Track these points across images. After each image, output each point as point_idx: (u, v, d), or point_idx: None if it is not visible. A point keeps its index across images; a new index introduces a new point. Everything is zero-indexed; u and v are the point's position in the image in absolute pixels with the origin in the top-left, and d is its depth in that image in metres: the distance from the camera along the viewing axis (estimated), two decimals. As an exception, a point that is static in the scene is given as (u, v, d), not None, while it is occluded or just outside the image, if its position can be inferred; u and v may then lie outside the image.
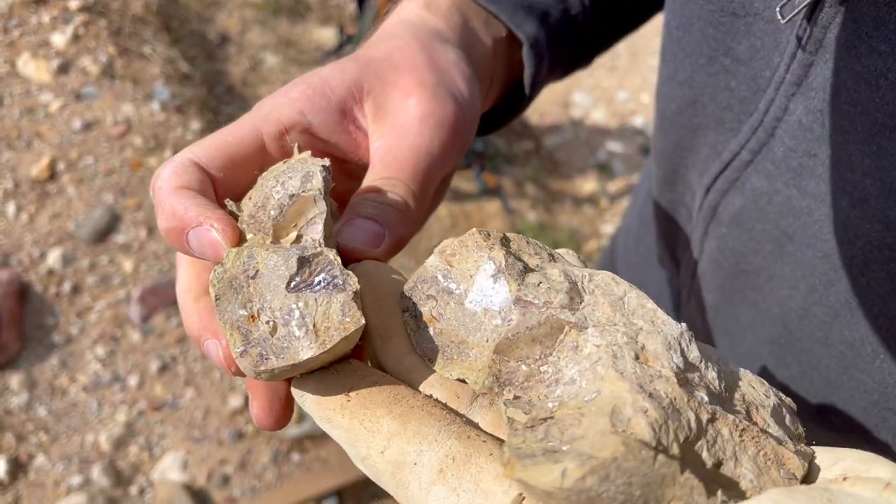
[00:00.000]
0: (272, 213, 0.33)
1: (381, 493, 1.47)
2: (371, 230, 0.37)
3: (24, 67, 1.84)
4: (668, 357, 0.28)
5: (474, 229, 0.33)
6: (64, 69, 1.86)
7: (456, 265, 0.33)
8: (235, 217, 0.35)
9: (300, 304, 0.31)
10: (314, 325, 0.31)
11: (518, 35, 0.47)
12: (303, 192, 0.33)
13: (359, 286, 0.32)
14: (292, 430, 1.51)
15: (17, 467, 1.36)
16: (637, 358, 0.28)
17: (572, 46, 0.52)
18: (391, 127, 0.40)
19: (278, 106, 0.40)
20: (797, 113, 0.40)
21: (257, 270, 0.32)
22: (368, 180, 0.39)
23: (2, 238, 1.58)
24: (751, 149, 0.44)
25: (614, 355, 0.28)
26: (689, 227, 0.53)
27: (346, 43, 1.88)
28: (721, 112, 0.46)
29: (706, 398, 0.27)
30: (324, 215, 0.33)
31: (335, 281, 0.32)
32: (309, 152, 0.36)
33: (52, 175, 1.68)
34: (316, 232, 0.33)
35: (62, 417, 1.43)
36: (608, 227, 2.29)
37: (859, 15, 0.35)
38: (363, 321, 0.31)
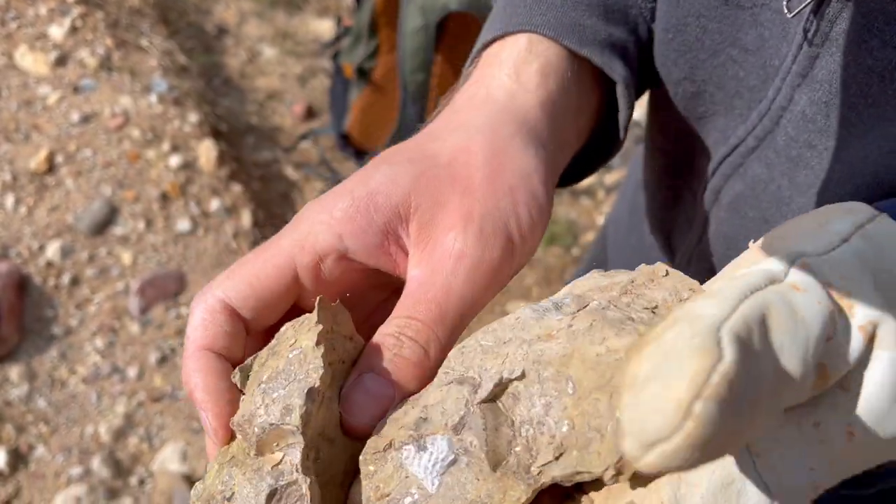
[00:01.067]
0: (255, 430, 0.33)
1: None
2: (380, 394, 0.35)
3: (21, 60, 1.84)
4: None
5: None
6: (61, 61, 1.86)
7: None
8: (241, 391, 0.36)
9: None
10: None
11: (612, 77, 0.43)
12: (282, 424, 0.33)
13: None
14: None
15: (18, 458, 1.36)
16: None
17: (644, 78, 0.49)
18: (429, 257, 0.37)
19: (316, 228, 0.37)
20: (801, 103, 0.41)
21: (233, 493, 0.33)
22: (394, 317, 0.37)
23: (1, 231, 1.58)
24: (756, 135, 0.44)
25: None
26: (692, 212, 0.54)
27: (343, 35, 1.88)
28: (730, 99, 0.46)
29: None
30: (302, 444, 0.33)
31: None
32: (315, 335, 0.34)
33: (51, 168, 1.69)
34: (295, 457, 0.33)
35: (62, 409, 1.43)
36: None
37: (868, 10, 0.36)
38: None
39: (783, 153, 0.43)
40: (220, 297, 0.37)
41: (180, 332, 1.56)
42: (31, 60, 1.85)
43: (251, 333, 0.38)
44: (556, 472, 0.29)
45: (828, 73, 0.39)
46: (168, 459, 1.42)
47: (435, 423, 0.32)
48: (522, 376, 0.31)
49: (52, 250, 1.58)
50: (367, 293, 0.42)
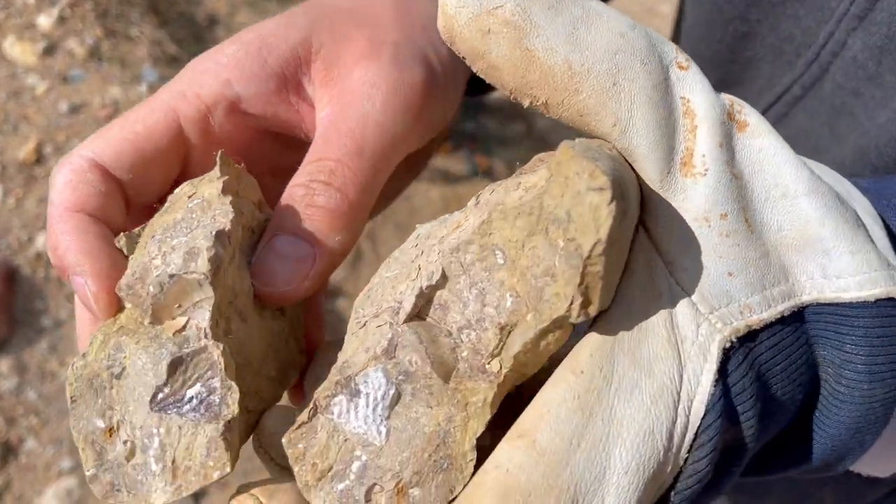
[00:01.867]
0: (151, 289, 0.27)
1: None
2: (295, 254, 0.30)
3: (9, 50, 1.82)
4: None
5: None
6: (50, 51, 1.84)
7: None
8: (129, 254, 0.29)
9: (161, 430, 0.26)
10: (173, 461, 0.26)
11: None
12: (185, 273, 0.27)
13: (237, 411, 0.26)
14: (283, 412, 1.51)
15: (8, 451, 1.36)
16: None
17: None
18: (339, 94, 0.32)
19: (200, 76, 0.32)
20: (854, 48, 0.39)
21: (124, 368, 0.27)
22: (304, 164, 0.31)
23: (-11, 222, 1.57)
24: (803, 84, 0.42)
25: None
26: None
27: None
28: (781, 43, 0.44)
29: None
30: (212, 300, 0.27)
31: (210, 399, 0.26)
32: (220, 184, 0.28)
33: (40, 158, 1.67)
34: (203, 318, 0.27)
35: (52, 401, 1.43)
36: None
37: None
38: (229, 469, 0.26)
39: (828, 102, 0.41)
40: (88, 156, 0.31)
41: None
42: (19, 50, 1.83)
43: (132, 209, 0.32)
44: (517, 347, 0.25)
45: (888, 16, 0.37)
46: (159, 451, 1.41)
47: (360, 361, 0.27)
48: (444, 278, 0.27)
49: (42, 242, 1.57)
50: (272, 167, 0.35)
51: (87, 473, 0.26)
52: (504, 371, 0.25)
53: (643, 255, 0.26)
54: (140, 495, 0.26)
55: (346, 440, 0.26)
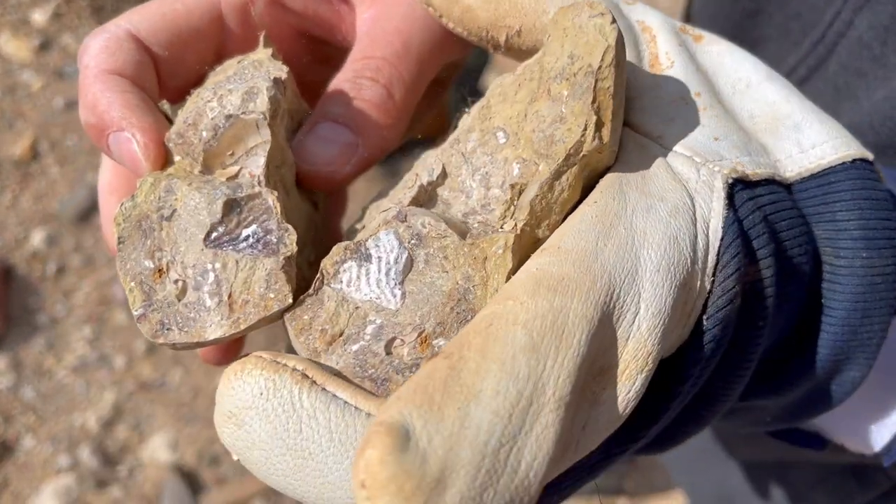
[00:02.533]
0: (204, 134, 0.26)
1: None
2: (339, 140, 0.29)
3: (4, 46, 1.81)
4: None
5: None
6: (45, 47, 1.83)
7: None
8: (171, 122, 0.28)
9: (217, 266, 0.25)
10: (230, 296, 0.25)
11: None
12: (242, 113, 0.26)
13: (296, 249, 0.25)
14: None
15: (5, 449, 1.35)
16: None
17: None
18: None
19: None
20: (860, 28, 0.39)
21: (174, 210, 0.26)
22: (349, 62, 0.31)
23: (-15, 219, 1.56)
24: (809, 65, 0.43)
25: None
26: None
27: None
28: (788, 21, 0.44)
29: None
30: (268, 145, 0.26)
31: (267, 238, 0.25)
32: (270, 51, 0.28)
33: (35, 155, 1.66)
34: (256, 165, 0.26)
35: (49, 399, 1.42)
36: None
37: None
38: (290, 300, 0.25)
39: (831, 82, 0.41)
40: (125, 27, 0.30)
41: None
42: (13, 47, 1.82)
43: (163, 91, 0.31)
44: (532, 193, 0.24)
45: None
46: (158, 448, 1.40)
47: (370, 228, 0.26)
48: (444, 175, 0.26)
49: (38, 239, 1.56)
50: (299, 76, 0.35)
51: (135, 313, 0.25)
52: (520, 224, 0.24)
53: (632, 140, 0.26)
54: (193, 331, 0.25)
55: (356, 308, 0.25)
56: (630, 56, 0.28)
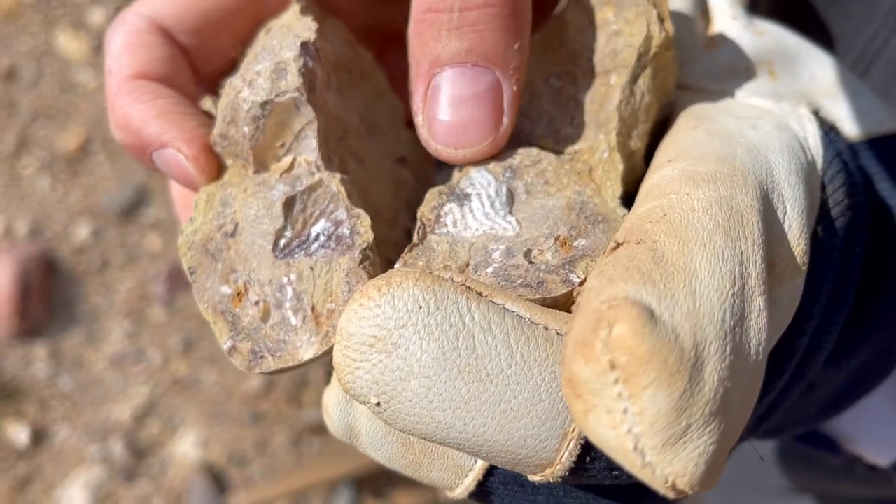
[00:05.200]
0: (246, 130, 0.23)
1: (402, 482, 1.46)
2: (475, 89, 0.22)
3: (61, 45, 1.86)
4: None
5: None
6: (101, 47, 1.87)
7: None
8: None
9: (292, 277, 0.23)
10: (313, 309, 0.22)
11: None
12: (276, 96, 0.23)
13: (371, 237, 0.22)
14: (313, 414, 1.51)
15: (39, 437, 1.37)
16: None
17: None
18: None
19: None
20: (892, 46, 0.39)
21: (236, 224, 0.23)
22: None
23: (35, 210, 1.59)
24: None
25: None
26: None
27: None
28: (831, 40, 0.45)
29: None
30: (315, 124, 0.23)
31: (339, 231, 0.23)
32: (298, 6, 0.25)
33: (86, 151, 1.70)
34: (310, 150, 0.23)
35: (85, 389, 1.44)
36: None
37: None
38: None
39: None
40: (145, 14, 0.26)
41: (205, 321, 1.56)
42: (71, 46, 1.86)
43: (201, 81, 0.27)
44: (615, 99, 0.23)
45: None
46: (187, 446, 1.41)
47: (456, 175, 0.24)
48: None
49: (84, 232, 1.59)
50: (359, 13, 0.29)
51: (225, 347, 0.23)
52: (613, 132, 0.23)
53: (692, 95, 0.26)
54: (286, 355, 0.22)
55: (472, 244, 0.22)
56: (686, 23, 0.28)
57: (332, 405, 0.23)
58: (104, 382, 1.46)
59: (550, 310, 0.20)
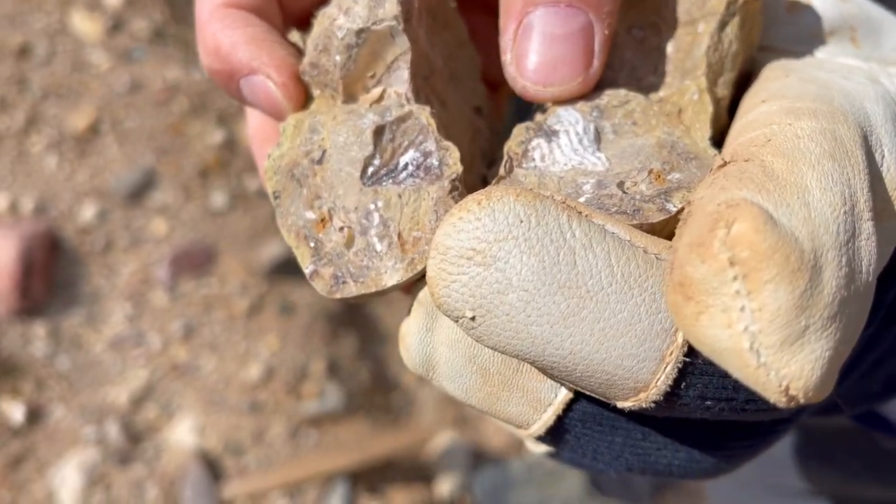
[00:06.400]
0: (338, 58, 0.23)
1: (397, 479, 1.45)
2: (568, 29, 0.22)
3: (76, 24, 1.85)
4: None
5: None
6: (116, 28, 1.86)
7: None
8: (303, 54, 0.25)
9: (379, 204, 0.22)
10: (399, 235, 0.22)
11: None
12: (373, 24, 0.23)
13: (460, 169, 0.22)
14: (312, 406, 1.49)
15: (35, 416, 1.36)
16: None
17: None
18: None
19: None
20: None
21: (324, 151, 0.23)
22: None
23: (42, 188, 1.58)
24: None
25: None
26: None
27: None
28: None
29: None
30: (408, 55, 0.23)
31: (428, 162, 0.23)
32: None
33: (96, 132, 1.69)
34: (401, 81, 0.23)
35: (83, 370, 1.43)
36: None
37: None
38: None
39: None
40: None
41: (208, 308, 1.55)
42: (86, 26, 1.86)
43: (290, 15, 0.28)
44: (704, 45, 0.23)
45: None
46: (183, 432, 1.40)
47: (539, 116, 0.23)
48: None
49: (89, 213, 1.58)
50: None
51: (307, 271, 0.23)
52: (701, 76, 0.23)
53: (776, 57, 0.26)
54: (369, 281, 0.22)
55: (560, 178, 0.22)
56: None
57: (412, 334, 0.23)
58: (102, 364, 1.44)
59: (650, 235, 0.19)
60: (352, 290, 0.22)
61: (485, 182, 0.26)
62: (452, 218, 0.18)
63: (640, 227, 0.20)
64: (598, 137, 0.22)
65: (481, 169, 0.27)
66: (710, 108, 0.22)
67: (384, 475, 1.51)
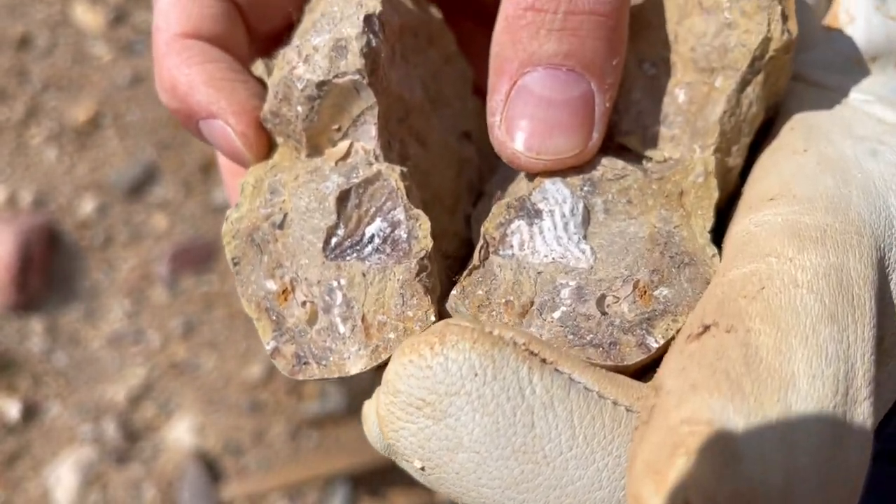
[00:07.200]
0: (299, 109, 0.22)
1: (399, 481, 1.43)
2: (566, 94, 0.20)
3: (77, 16, 1.83)
4: None
5: None
6: (118, 20, 1.84)
7: None
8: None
9: (342, 282, 0.21)
10: (363, 318, 0.20)
11: None
12: (335, 77, 0.21)
13: (430, 244, 0.20)
14: (313, 406, 1.47)
15: (31, 413, 1.33)
16: None
17: None
18: None
19: None
20: None
21: (285, 215, 0.22)
22: None
23: (41, 181, 1.56)
24: None
25: None
26: None
27: None
28: None
29: None
30: (376, 109, 0.21)
31: (395, 234, 0.21)
32: None
33: (96, 125, 1.67)
34: (368, 137, 0.21)
35: (81, 367, 1.40)
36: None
37: None
38: (433, 317, 0.20)
39: None
40: None
41: (209, 306, 1.53)
42: (88, 18, 1.83)
43: (255, 40, 0.25)
44: (719, 109, 0.20)
45: None
46: (182, 431, 1.38)
47: (526, 185, 0.21)
48: None
49: (89, 207, 1.56)
50: None
51: (268, 348, 0.21)
52: (710, 148, 0.21)
53: (804, 89, 0.24)
54: (332, 366, 0.21)
55: (539, 273, 0.20)
56: (803, 5, 0.25)
57: (373, 420, 0.21)
58: (100, 361, 1.42)
59: (621, 378, 0.18)
60: (314, 372, 0.21)
61: (469, 223, 0.24)
62: (403, 358, 0.17)
63: (616, 368, 0.18)
64: (586, 219, 0.20)
65: (467, 208, 0.25)
66: (714, 195, 0.20)
67: (385, 477, 1.49)
